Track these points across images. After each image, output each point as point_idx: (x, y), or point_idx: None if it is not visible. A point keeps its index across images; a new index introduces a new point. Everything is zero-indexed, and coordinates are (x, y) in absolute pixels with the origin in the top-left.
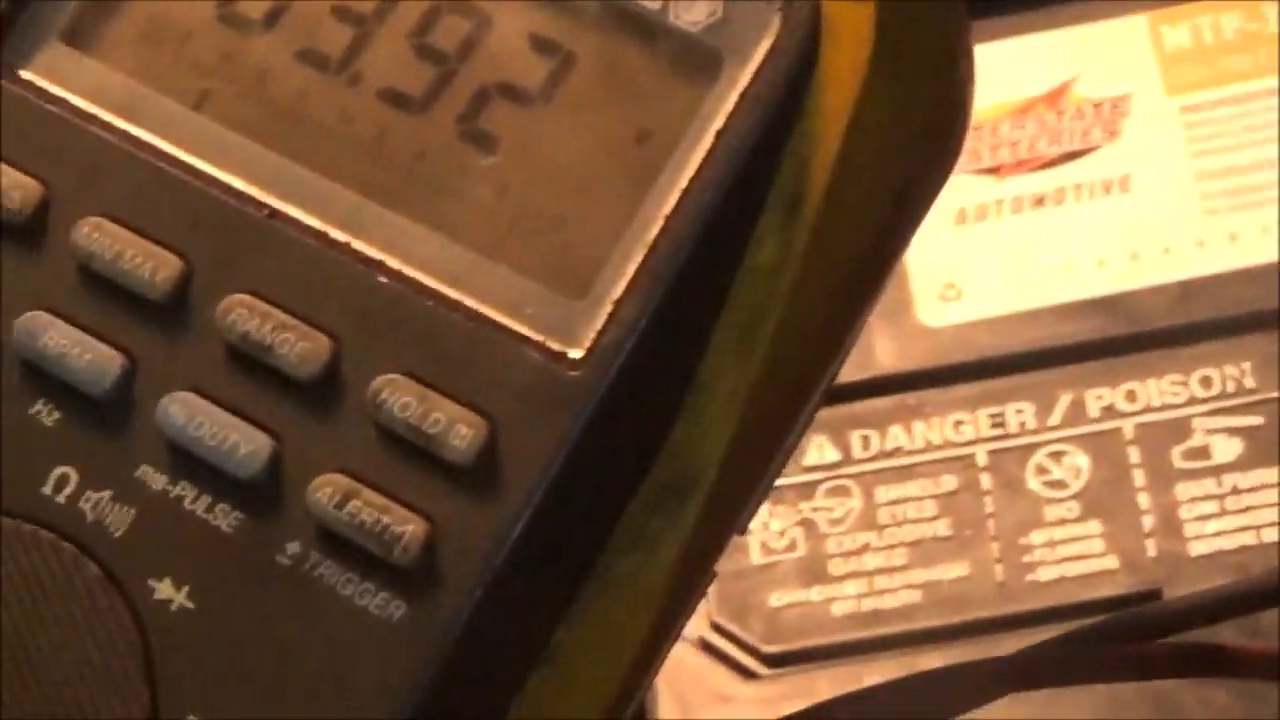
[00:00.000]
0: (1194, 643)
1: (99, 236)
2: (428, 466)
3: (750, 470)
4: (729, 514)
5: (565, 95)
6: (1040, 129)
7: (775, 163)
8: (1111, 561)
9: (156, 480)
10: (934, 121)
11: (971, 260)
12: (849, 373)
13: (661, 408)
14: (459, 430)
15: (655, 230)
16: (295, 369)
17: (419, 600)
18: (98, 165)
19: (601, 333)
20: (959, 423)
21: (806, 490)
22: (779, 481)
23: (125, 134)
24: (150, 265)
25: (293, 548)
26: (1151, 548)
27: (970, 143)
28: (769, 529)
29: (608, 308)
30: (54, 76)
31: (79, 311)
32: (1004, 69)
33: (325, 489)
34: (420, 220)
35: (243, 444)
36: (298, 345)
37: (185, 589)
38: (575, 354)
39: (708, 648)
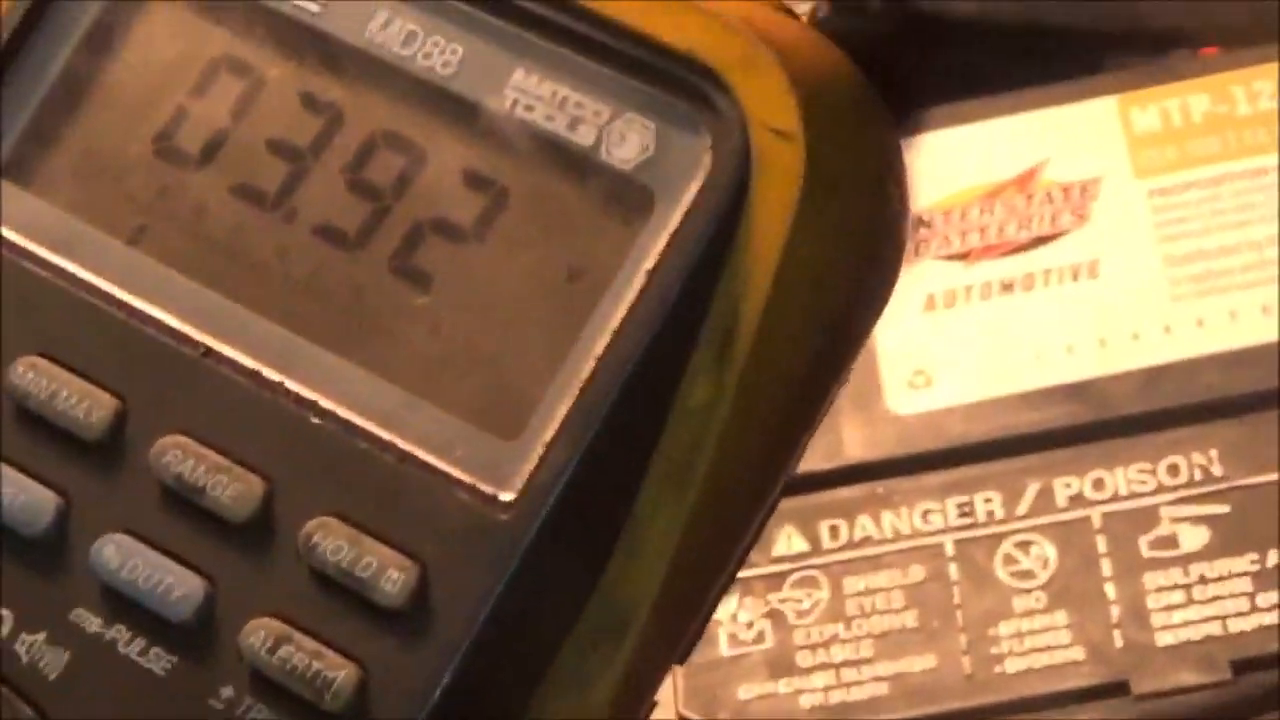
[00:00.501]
0: None
1: (34, 376)
2: (360, 609)
3: (687, 604)
4: (666, 649)
5: (498, 232)
6: (1009, 213)
7: (707, 300)
8: (1078, 653)
9: (91, 622)
10: (868, 251)
11: (940, 347)
12: (818, 461)
13: (594, 548)
14: (390, 574)
15: (587, 370)
16: (228, 511)
17: None
18: (33, 302)
19: (533, 475)
20: (927, 512)
21: (775, 581)
22: (747, 572)
23: (59, 269)
24: (85, 405)
25: (226, 692)
26: (1118, 638)
27: (940, 228)
28: (737, 620)
29: (539, 449)
30: None
31: (13, 451)
32: (973, 153)
33: (258, 633)
34: (354, 359)
35: (176, 587)
36: (230, 487)
37: None
38: (507, 496)
39: None
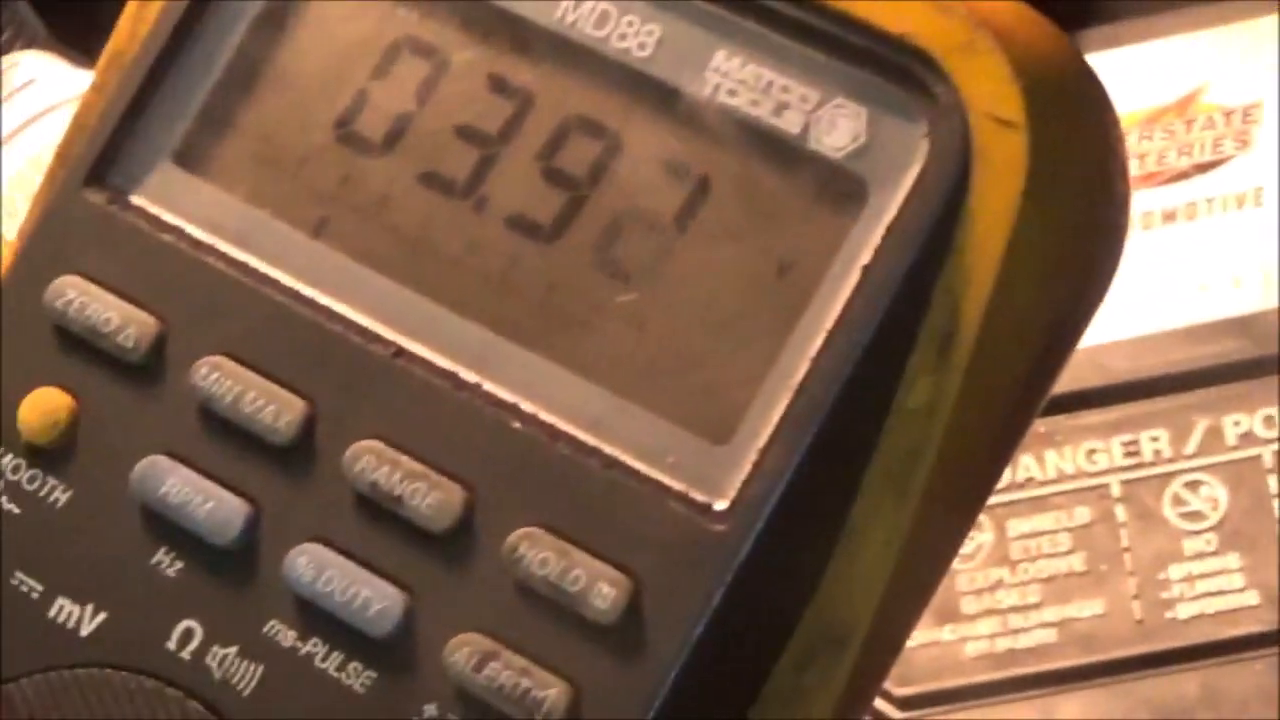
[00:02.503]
0: None
1: (219, 377)
2: (568, 625)
3: (906, 612)
4: (884, 659)
5: (702, 224)
6: (1169, 140)
7: (925, 299)
8: (1252, 597)
9: (285, 636)
10: (1091, 249)
11: None
12: None
13: (811, 558)
14: (601, 588)
15: (801, 372)
16: (428, 521)
17: None
18: (215, 299)
19: (747, 482)
20: (1092, 451)
21: None
22: None
23: (242, 265)
24: (273, 408)
25: (430, 710)
26: None
27: None
28: None
29: (753, 455)
30: (166, 203)
31: (200, 456)
32: (1130, 77)
33: (463, 649)
34: (554, 359)
35: (375, 600)
36: (430, 495)
37: None
38: (720, 505)
39: None
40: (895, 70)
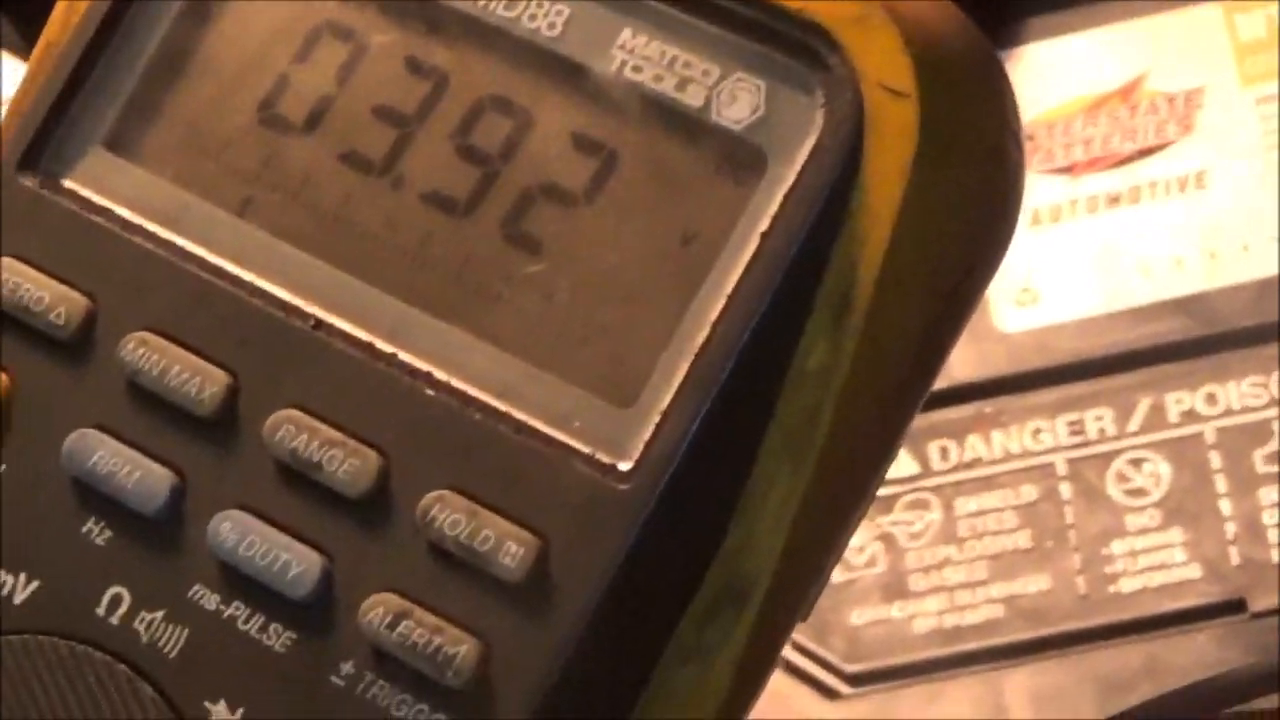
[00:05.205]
0: (1242, 712)
1: (145, 352)
2: (479, 584)
3: (808, 568)
4: (787, 614)
5: (609, 196)
6: (1114, 125)
7: (822, 263)
8: (1194, 570)
9: (209, 600)
10: (984, 212)
11: (1047, 263)
12: None
13: (713, 516)
14: (509, 547)
15: (702, 336)
16: (344, 486)
17: None
18: (143, 278)
19: (650, 443)
20: (1038, 431)
21: (885, 504)
22: None
23: (170, 244)
24: (197, 381)
25: (346, 668)
26: (1235, 555)
27: (1043, 142)
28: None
29: (656, 417)
30: (97, 186)
31: (128, 429)
32: (1075, 64)
33: (378, 609)
34: (467, 329)
35: (295, 563)
36: (346, 462)
37: (240, 711)
38: (624, 466)
39: (789, 668)
40: (792, 44)
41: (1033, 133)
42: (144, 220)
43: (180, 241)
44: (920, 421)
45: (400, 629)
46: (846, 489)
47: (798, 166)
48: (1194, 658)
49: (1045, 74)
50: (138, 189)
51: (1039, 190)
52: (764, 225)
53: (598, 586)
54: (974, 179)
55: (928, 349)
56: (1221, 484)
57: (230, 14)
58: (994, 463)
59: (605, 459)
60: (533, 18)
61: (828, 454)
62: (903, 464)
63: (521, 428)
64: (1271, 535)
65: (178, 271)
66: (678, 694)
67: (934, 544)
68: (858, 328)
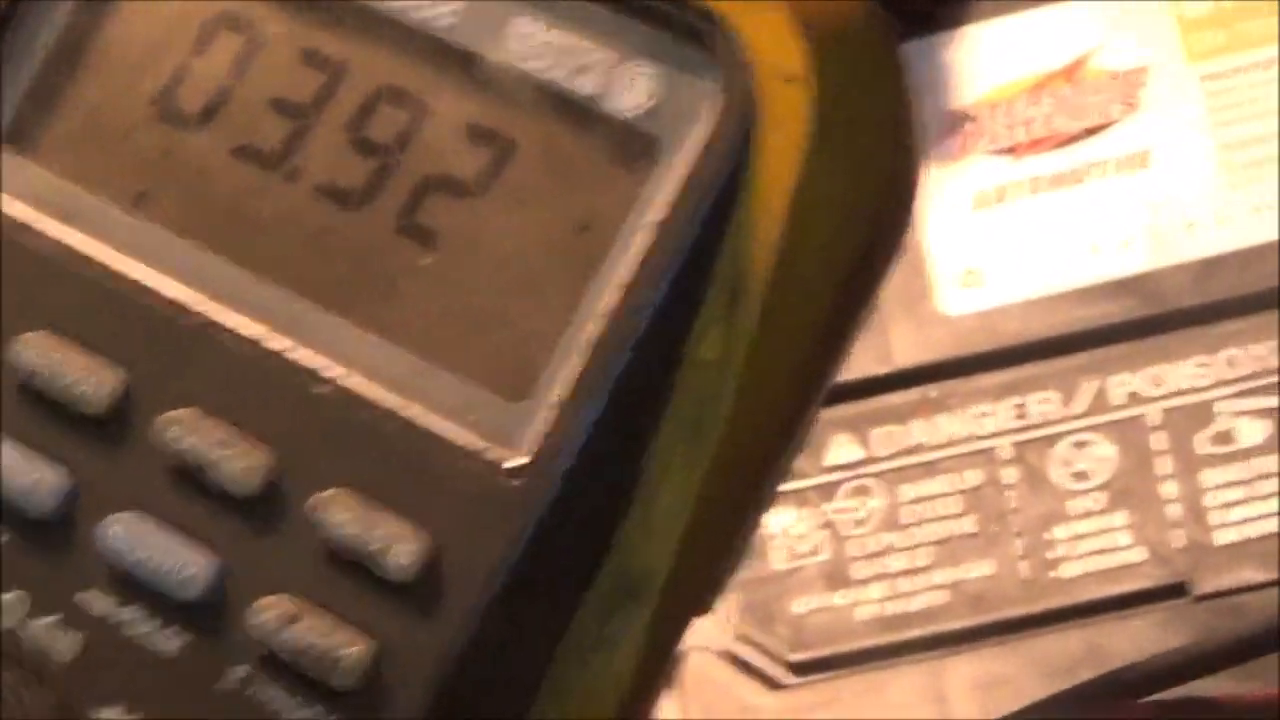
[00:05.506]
0: (1185, 698)
1: (39, 352)
2: (370, 584)
3: (708, 559)
4: (686, 606)
5: (504, 186)
6: (1057, 105)
7: (716, 252)
8: (1138, 554)
9: (102, 604)
10: (880, 199)
11: (991, 245)
12: (868, 366)
13: (609, 508)
14: (400, 547)
15: (596, 328)
16: (235, 485)
17: None
18: (36, 276)
19: (544, 438)
20: (982, 415)
21: (828, 490)
22: (800, 483)
23: (63, 243)
24: (91, 380)
25: (238, 671)
26: (1178, 538)
27: (986, 123)
28: (791, 533)
29: (549, 411)
30: None
31: (23, 431)
32: (1018, 44)
33: (268, 612)
34: (359, 323)
35: (186, 565)
36: (236, 460)
37: (135, 716)
38: (517, 461)
39: (732, 658)
40: (686, 30)
41: (976, 114)
42: (40, 217)
43: (75, 238)
44: (862, 406)
45: (291, 631)
46: (747, 479)
47: (691, 154)
48: (1137, 642)
49: (988, 54)
50: (35, 185)
51: (982, 171)
52: (658, 215)
53: (490, 585)
54: (870, 165)
55: (828, 336)
56: (1165, 466)
57: (128, 5)
58: (937, 448)
59: (498, 455)
60: (427, 8)
61: (725, 444)
62: (845, 450)
63: (413, 424)
64: (1213, 517)
65: (68, 268)
66: (578, 689)
67: (877, 531)
68: (753, 315)
